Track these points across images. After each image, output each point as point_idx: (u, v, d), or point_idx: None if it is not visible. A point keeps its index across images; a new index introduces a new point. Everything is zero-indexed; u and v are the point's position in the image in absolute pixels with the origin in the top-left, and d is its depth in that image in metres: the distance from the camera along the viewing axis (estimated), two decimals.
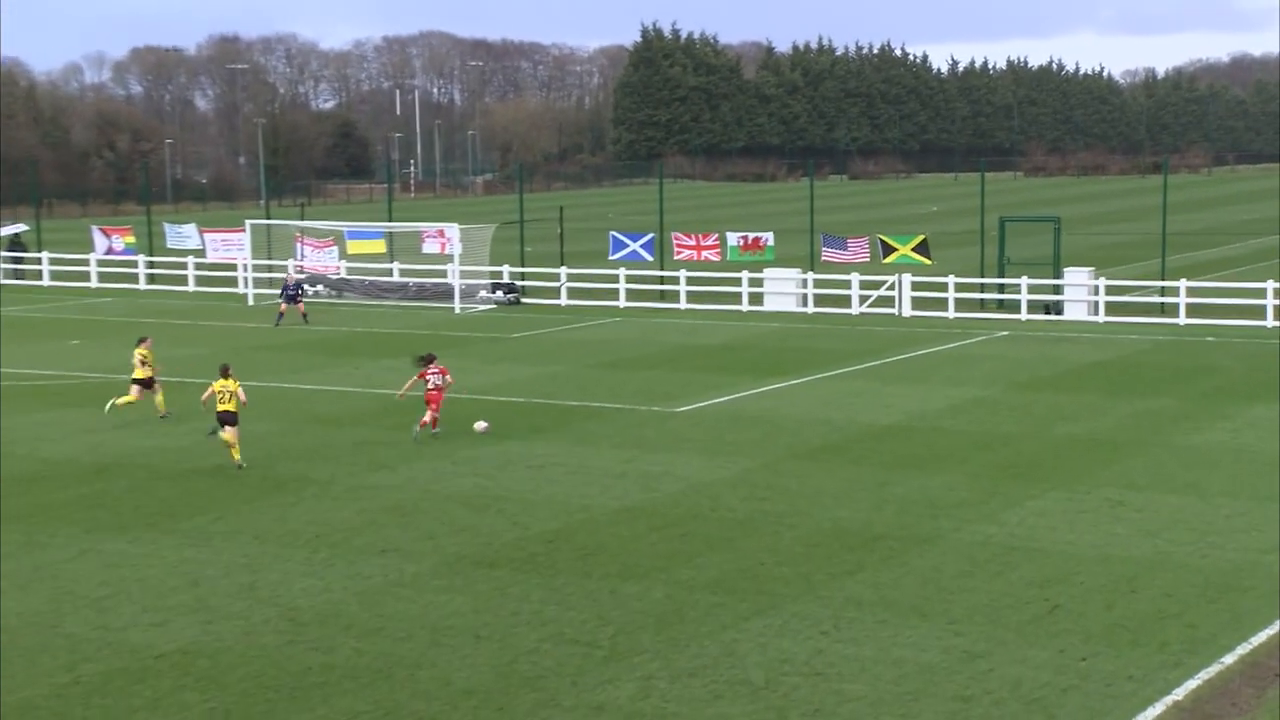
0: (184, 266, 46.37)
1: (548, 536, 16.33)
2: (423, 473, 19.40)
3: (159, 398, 23.26)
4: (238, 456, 19.64)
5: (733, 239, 41.25)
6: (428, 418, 21.45)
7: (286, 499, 18.09)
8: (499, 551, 15.62)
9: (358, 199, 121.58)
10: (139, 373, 23.14)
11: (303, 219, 47.78)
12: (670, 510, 17.36)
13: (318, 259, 44.50)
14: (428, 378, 21.58)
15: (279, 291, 38.32)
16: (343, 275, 43.89)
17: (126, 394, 23.10)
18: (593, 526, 16.72)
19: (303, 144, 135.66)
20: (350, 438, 21.86)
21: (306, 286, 41.65)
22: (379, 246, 44.47)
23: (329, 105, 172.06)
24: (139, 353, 23.31)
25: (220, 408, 19.67)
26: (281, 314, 36.16)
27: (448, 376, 21.79)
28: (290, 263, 41.54)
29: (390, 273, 44.06)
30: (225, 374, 19.88)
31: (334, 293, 43.02)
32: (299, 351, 31.66)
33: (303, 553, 15.67)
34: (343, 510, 17.54)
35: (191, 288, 45.81)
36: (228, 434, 19.68)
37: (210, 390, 19.94)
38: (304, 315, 36.49)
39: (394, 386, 26.60)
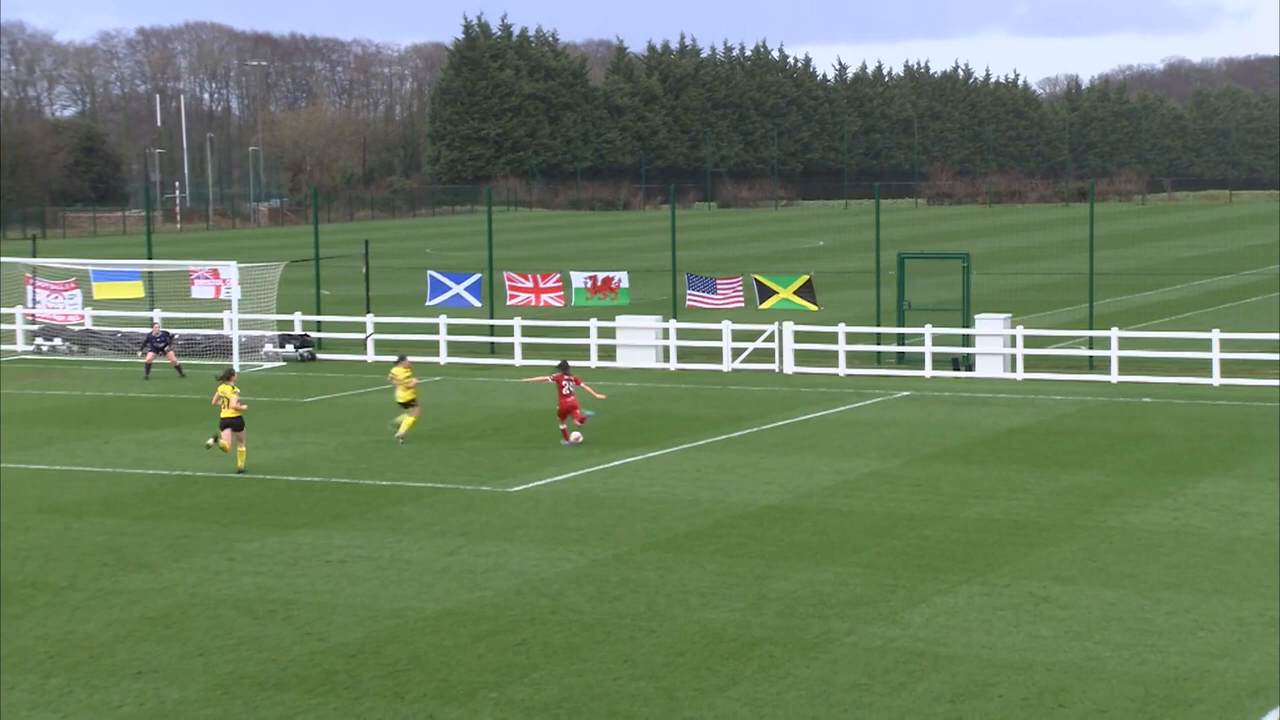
0: None
1: (350, 649, 16.21)
2: (191, 572, 19.11)
3: None
4: (241, 463, 25.16)
5: (578, 280, 41.64)
6: (567, 426, 27.30)
7: (11, 610, 17.61)
8: (288, 670, 15.47)
9: (107, 230, 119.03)
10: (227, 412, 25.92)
11: (35, 255, 46.64)
12: (502, 613, 17.39)
13: (55, 306, 43.45)
14: (564, 385, 27.36)
15: (141, 343, 38.50)
16: (88, 326, 42.95)
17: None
18: (406, 635, 16.66)
19: (34, 160, 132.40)
20: (97, 530, 21.44)
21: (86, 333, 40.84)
22: (135, 290, 43.68)
23: (69, 113, 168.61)
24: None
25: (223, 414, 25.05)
26: (149, 365, 37.02)
27: (583, 385, 27.72)
28: (155, 313, 40.93)
29: (149, 323, 43.28)
30: (228, 378, 25.47)
31: (75, 348, 42.06)
32: (29, 423, 30.89)
33: (32, 678, 15.28)
34: (86, 623, 17.15)
35: None
36: (226, 439, 25.09)
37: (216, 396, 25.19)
38: (178, 368, 37.14)
39: (156, 463, 26.17)
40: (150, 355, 37.75)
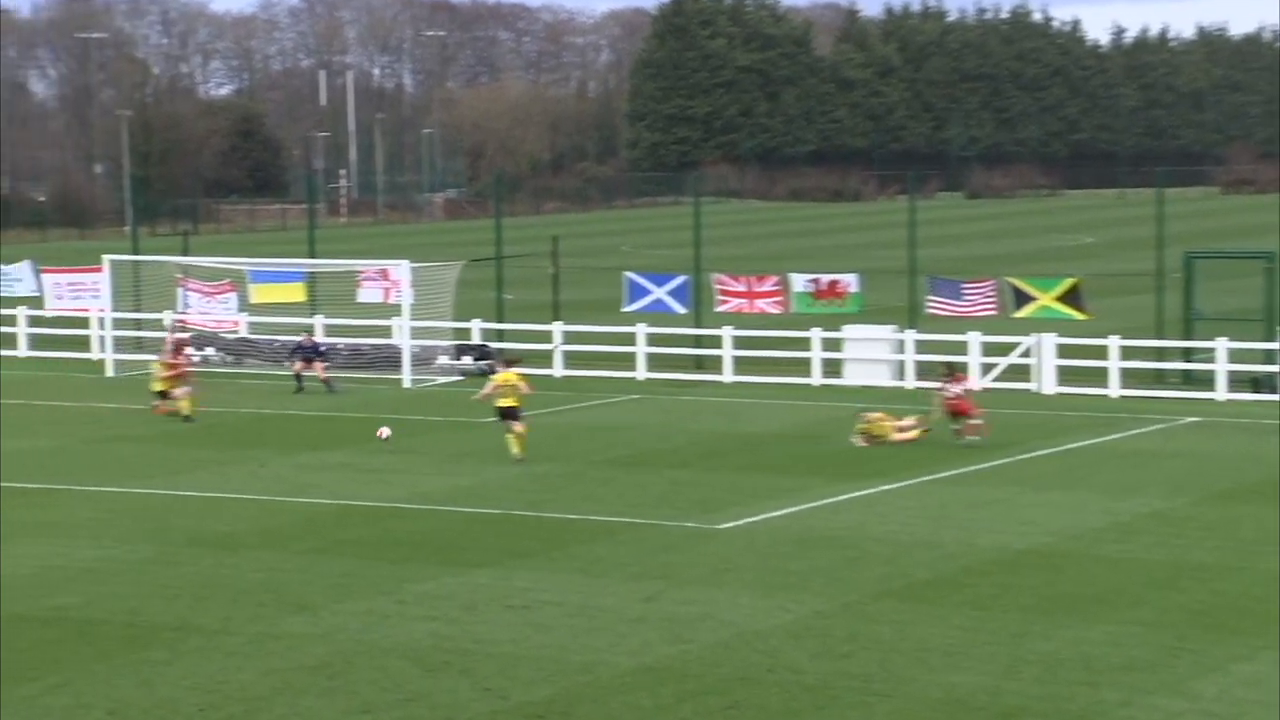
0: (13, 322, 46.87)
1: (534, 709, 16.38)
2: (355, 616, 19.56)
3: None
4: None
5: (800, 283, 41.56)
6: (961, 427, 30.31)
7: (158, 655, 18.23)
8: None
9: (265, 224, 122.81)
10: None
11: (186, 253, 48.31)
12: (709, 671, 17.42)
13: (207, 310, 44.92)
14: (948, 389, 30.73)
15: (290, 351, 39.71)
16: (244, 335, 44.29)
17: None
18: (599, 694, 16.77)
19: (186, 146, 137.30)
20: (252, 566, 22.08)
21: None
22: (296, 293, 44.90)
23: (224, 92, 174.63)
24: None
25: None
26: (299, 375, 38.46)
27: (970, 383, 31.70)
28: (317, 319, 43.20)
29: (311, 330, 44.44)
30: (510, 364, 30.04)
31: (230, 359, 43.41)
32: (177, 443, 31.99)
33: None
34: (241, 671, 17.66)
35: (23, 352, 46.31)
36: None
37: None
38: (327, 383, 38.32)
39: (317, 490, 26.85)
40: (300, 365, 38.88)
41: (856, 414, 31.62)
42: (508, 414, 29.36)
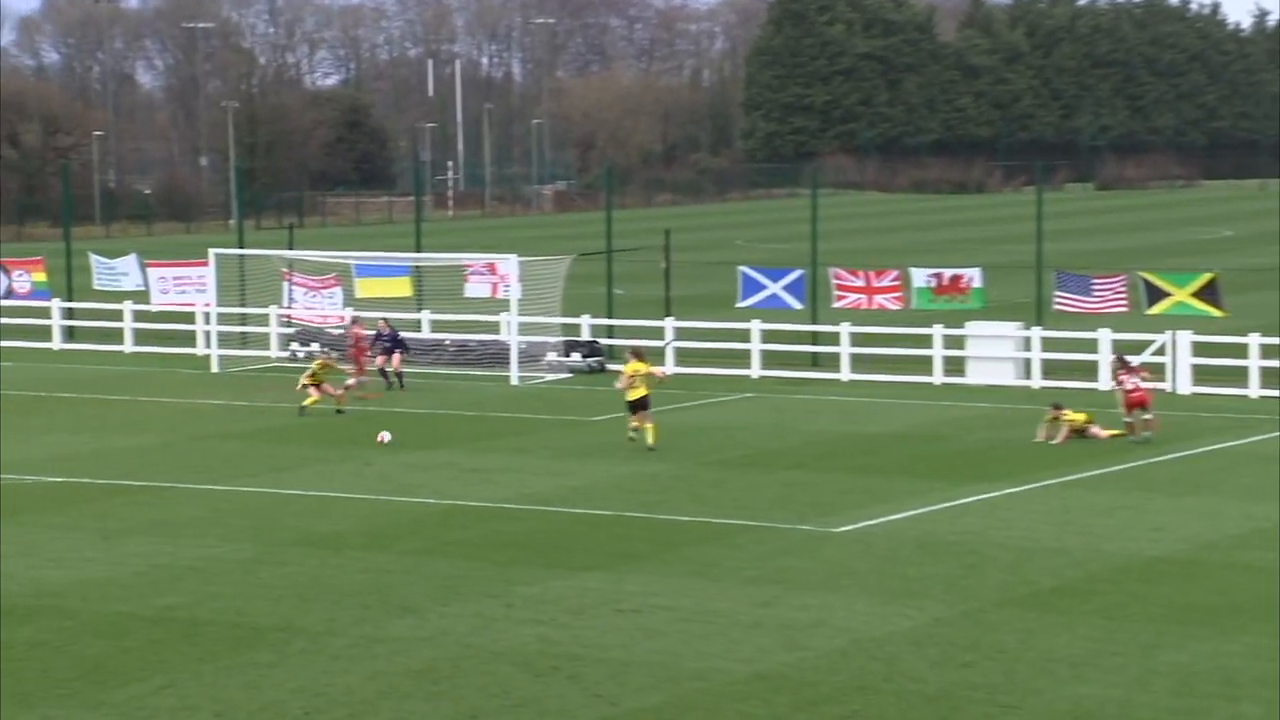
0: (119, 316, 47.69)
1: (645, 716, 16.46)
2: (462, 619, 19.72)
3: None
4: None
5: (921, 278, 41.32)
6: (1135, 420, 30.57)
7: (263, 657, 18.49)
8: None
9: (371, 217, 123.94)
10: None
11: (292, 247, 48.89)
12: (826, 679, 17.40)
13: (313, 305, 45.41)
14: (1123, 380, 30.92)
15: (371, 340, 39.90)
16: (375, 322, 44.64)
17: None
18: (712, 702, 16.81)
19: (292, 138, 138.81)
20: (357, 567, 22.33)
21: (304, 344, 43.05)
22: (403, 287, 45.29)
23: (331, 82, 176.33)
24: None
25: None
26: (384, 371, 38.93)
27: (1144, 374, 31.41)
28: (424, 314, 43.62)
29: (419, 326, 44.82)
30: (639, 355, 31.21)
31: (335, 354, 43.80)
32: (282, 441, 32.39)
33: None
34: (346, 674, 17.87)
35: (129, 347, 47.06)
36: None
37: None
38: (399, 376, 38.87)
39: (423, 490, 27.12)
40: (382, 359, 39.07)
41: (1050, 406, 31.35)
42: (639, 405, 30.41)
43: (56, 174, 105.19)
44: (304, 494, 27.19)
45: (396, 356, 39.18)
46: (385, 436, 31.77)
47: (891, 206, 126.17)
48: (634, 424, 30.72)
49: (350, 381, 36.69)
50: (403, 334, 40.55)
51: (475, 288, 44.73)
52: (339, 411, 34.79)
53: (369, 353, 38.47)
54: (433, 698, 17.09)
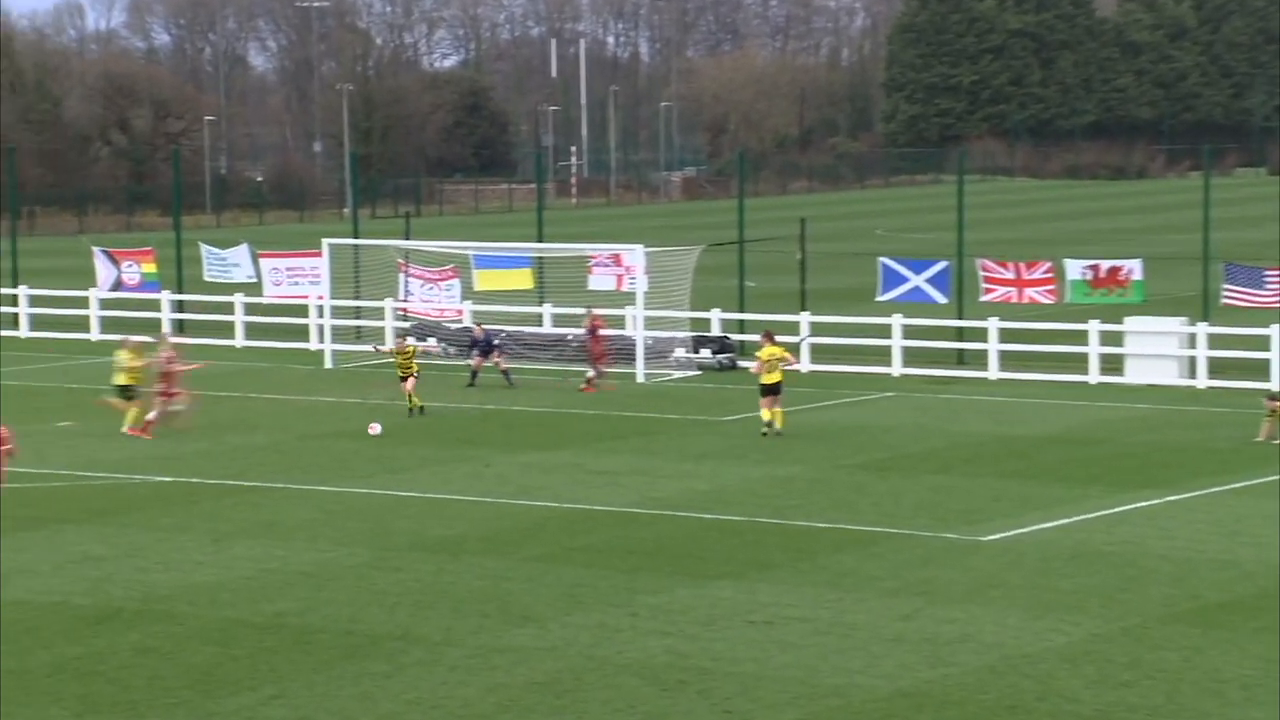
0: (230, 309, 48.31)
1: None
2: (586, 629, 19.77)
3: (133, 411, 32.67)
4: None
5: (1076, 269, 40.87)
6: None
7: (377, 668, 18.65)
8: None
9: (490, 205, 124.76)
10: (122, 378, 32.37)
11: (408, 236, 49.30)
12: (972, 697, 17.27)
13: (430, 298, 45.74)
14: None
15: (469, 345, 40.92)
16: (468, 325, 44.96)
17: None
18: None
19: (409, 122, 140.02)
20: (476, 573, 22.47)
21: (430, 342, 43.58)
22: (524, 279, 45.50)
23: (450, 63, 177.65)
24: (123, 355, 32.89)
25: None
26: (476, 372, 39.41)
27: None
28: (546, 308, 43.97)
29: (540, 320, 44.98)
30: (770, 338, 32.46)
31: (451, 350, 44.14)
32: (398, 441, 32.66)
33: None
34: (464, 686, 17.97)
35: (240, 341, 47.68)
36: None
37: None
38: (506, 373, 39.42)
39: (543, 493, 27.22)
40: (478, 359, 39.48)
41: (1266, 398, 30.90)
42: (772, 390, 31.71)
43: (167, 160, 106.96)
44: (420, 496, 27.40)
45: (496, 356, 39.66)
46: (376, 428, 32.53)
47: (1044, 193, 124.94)
48: (765, 415, 31.59)
49: (590, 374, 38.09)
50: (515, 330, 41.12)
51: (599, 280, 44.82)
52: (416, 411, 34.96)
53: (602, 349, 39.06)
54: (555, 712, 17.14)
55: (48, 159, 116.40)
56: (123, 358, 33.66)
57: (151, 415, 32.95)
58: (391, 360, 36.86)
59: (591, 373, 38.43)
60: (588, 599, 21.06)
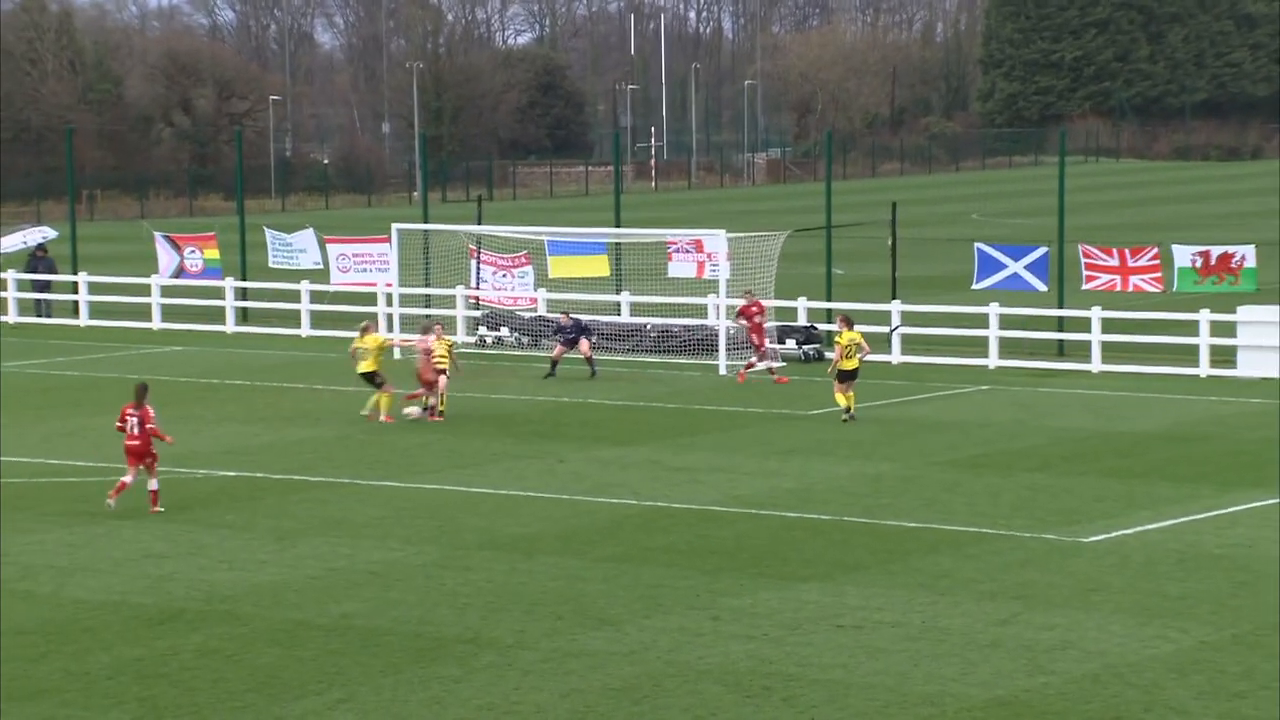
0: (295, 297, 48.60)
1: None
2: (665, 633, 19.78)
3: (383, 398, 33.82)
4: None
5: (1185, 256, 40.55)
6: None
7: (447, 671, 18.72)
8: None
9: (566, 189, 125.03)
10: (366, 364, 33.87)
11: (480, 221, 49.45)
12: (1075, 708, 17.17)
13: (502, 285, 45.86)
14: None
15: (553, 333, 40.91)
16: (540, 312, 45.09)
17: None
18: None
19: (481, 102, 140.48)
20: (550, 574, 22.51)
21: (500, 331, 43.67)
22: (599, 266, 45.55)
23: (523, 40, 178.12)
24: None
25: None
26: (555, 362, 39.39)
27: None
28: (624, 297, 43.36)
29: (617, 309, 45.01)
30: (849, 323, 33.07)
31: (525, 339, 44.27)
32: (467, 434, 32.77)
33: None
34: (537, 691, 18.01)
35: (306, 330, 47.95)
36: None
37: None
38: (590, 361, 39.44)
39: (621, 490, 27.23)
40: (560, 349, 39.50)
41: None
42: (849, 376, 32.58)
43: (230, 142, 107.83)
44: (491, 493, 27.48)
45: (585, 343, 39.49)
46: (413, 411, 33.07)
47: (1151, 175, 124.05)
48: (842, 400, 32.62)
49: (756, 362, 38.05)
50: (591, 319, 40.98)
51: (679, 267, 44.82)
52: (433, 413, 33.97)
53: (762, 334, 38.46)
54: (633, 719, 17.15)
55: (108, 141, 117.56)
56: (370, 343, 34.04)
57: (412, 410, 33.52)
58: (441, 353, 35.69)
59: (761, 361, 37.97)
60: (667, 601, 21.06)
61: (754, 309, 38.36)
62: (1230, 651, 18.76)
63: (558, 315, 41.26)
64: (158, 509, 25.88)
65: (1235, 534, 23.98)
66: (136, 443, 25.91)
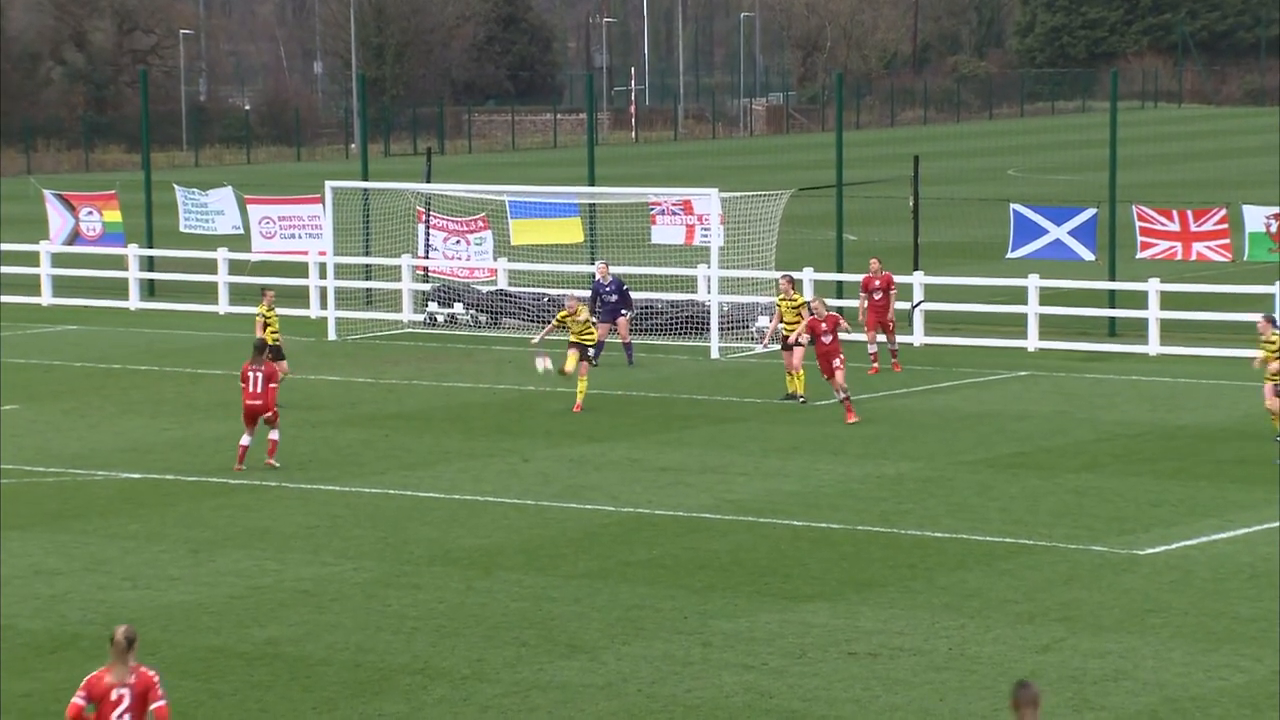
0: (211, 267, 48.51)
1: None
2: (647, 662, 19.81)
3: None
4: None
5: (1257, 219, 40.62)
6: None
7: (392, 708, 18.73)
8: None
9: (530, 140, 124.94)
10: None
11: (430, 178, 49.39)
12: None
13: (456, 254, 45.82)
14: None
15: (590, 295, 39.25)
16: (501, 286, 45.07)
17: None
18: None
19: (431, 38, 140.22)
20: (513, 593, 22.52)
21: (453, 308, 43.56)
22: (571, 231, 45.51)
23: None
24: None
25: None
26: (601, 345, 37.80)
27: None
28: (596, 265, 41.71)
29: (591, 281, 44.96)
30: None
31: (483, 318, 44.26)
32: (416, 430, 32.75)
33: None
34: None
35: (224, 307, 47.87)
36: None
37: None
38: (627, 347, 38.62)
39: (596, 494, 27.23)
40: (605, 327, 38.47)
41: None
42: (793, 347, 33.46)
43: (133, 84, 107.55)
44: (444, 498, 27.49)
45: (623, 321, 38.80)
46: (545, 363, 33.39)
47: (1218, 124, 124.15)
48: (791, 383, 33.69)
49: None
50: (552, 294, 40.71)
51: (664, 231, 44.83)
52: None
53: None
54: None
55: None
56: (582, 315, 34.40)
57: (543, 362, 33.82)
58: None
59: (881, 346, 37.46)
60: (649, 625, 21.08)
61: (878, 283, 37.56)
62: None
63: (595, 267, 40.34)
64: (272, 462, 29.08)
65: None
66: (258, 402, 28.86)
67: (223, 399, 35.22)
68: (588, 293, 39.14)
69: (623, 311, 38.88)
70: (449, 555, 24.24)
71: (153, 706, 14.56)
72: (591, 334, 34.38)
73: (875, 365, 37.20)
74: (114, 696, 14.40)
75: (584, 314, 34.52)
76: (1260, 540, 24.40)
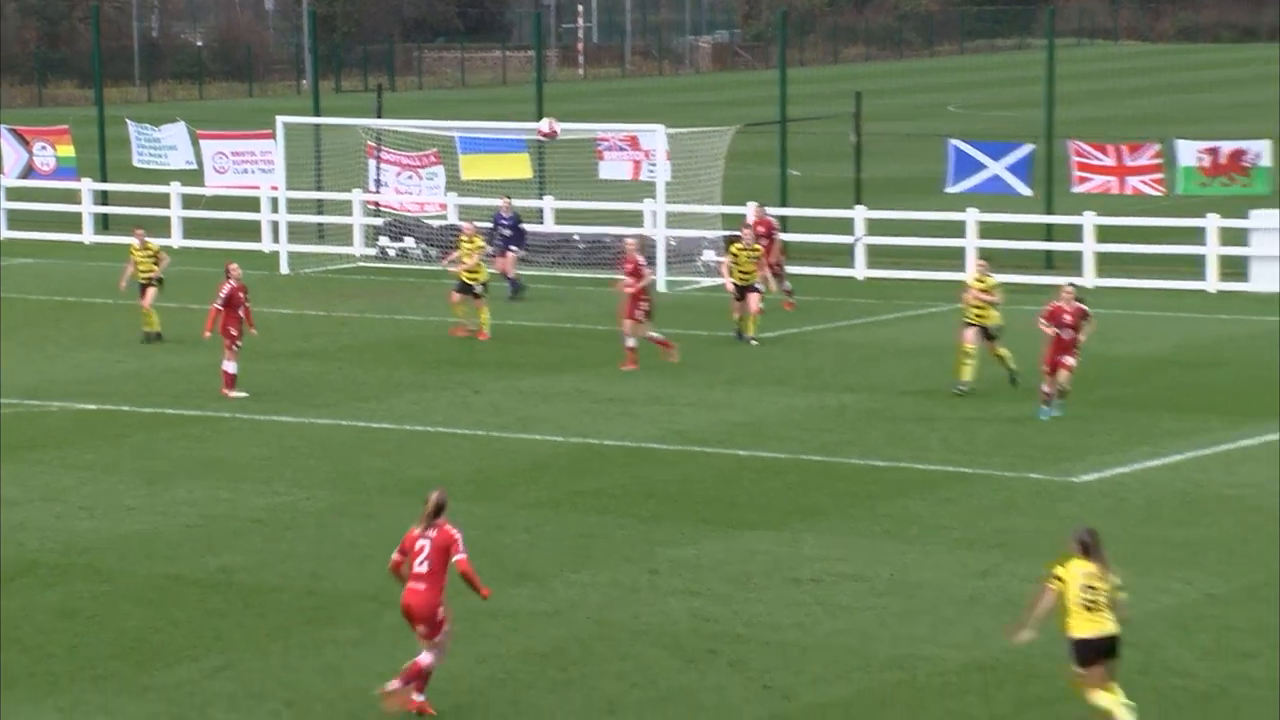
0: (164, 201, 48.29)
1: (828, 713, 16.48)
2: (595, 588, 19.84)
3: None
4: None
5: (1190, 153, 40.69)
6: None
7: (345, 634, 18.74)
8: None
9: (480, 78, 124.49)
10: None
11: (380, 114, 49.18)
12: (1062, 670, 17.21)
13: (407, 189, 45.71)
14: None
15: (490, 228, 39.31)
16: (452, 220, 44.97)
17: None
18: (913, 696, 16.80)
19: None
20: (464, 522, 22.34)
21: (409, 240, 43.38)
22: (519, 166, 45.42)
23: None
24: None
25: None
26: (513, 280, 38.57)
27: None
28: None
29: (539, 216, 44.93)
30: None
31: (434, 252, 44.16)
32: (368, 363, 32.70)
33: None
34: (451, 657, 18.02)
35: (177, 240, 47.64)
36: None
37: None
38: (513, 282, 38.67)
39: (545, 425, 27.22)
40: (501, 261, 38.42)
41: None
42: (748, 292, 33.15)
43: (85, 19, 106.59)
44: (395, 428, 27.46)
45: (510, 256, 39.08)
46: (553, 127, 33.67)
47: (1152, 60, 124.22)
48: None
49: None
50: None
51: (611, 167, 44.76)
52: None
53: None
54: (559, 687, 17.21)
55: None
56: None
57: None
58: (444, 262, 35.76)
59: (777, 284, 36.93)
60: (597, 553, 21.12)
61: (761, 228, 37.48)
62: (1240, 605, 18.93)
63: (500, 203, 40.20)
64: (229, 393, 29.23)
65: (1247, 472, 24.15)
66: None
67: (176, 332, 35.05)
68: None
69: (512, 247, 38.96)
70: (400, 485, 24.23)
71: (454, 558, 16.86)
72: (477, 274, 34.26)
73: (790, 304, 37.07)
74: (417, 546, 16.89)
75: (479, 241, 34.59)
76: (1191, 467, 24.51)
